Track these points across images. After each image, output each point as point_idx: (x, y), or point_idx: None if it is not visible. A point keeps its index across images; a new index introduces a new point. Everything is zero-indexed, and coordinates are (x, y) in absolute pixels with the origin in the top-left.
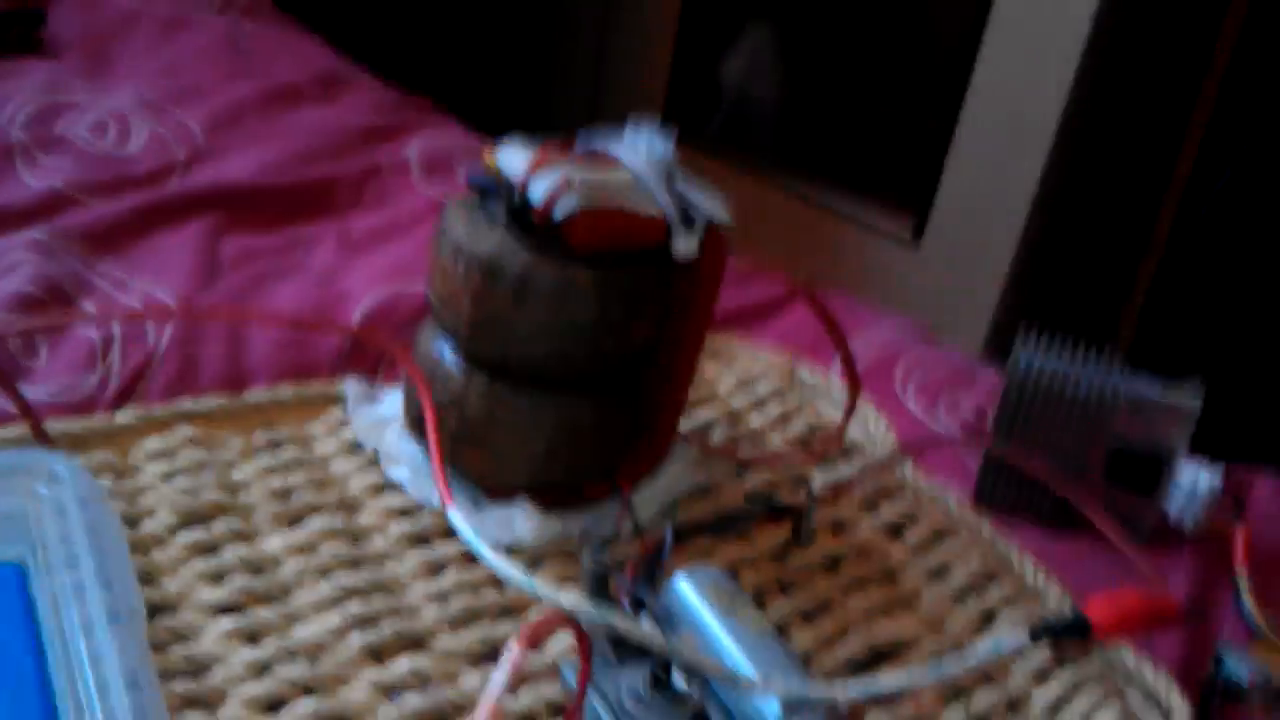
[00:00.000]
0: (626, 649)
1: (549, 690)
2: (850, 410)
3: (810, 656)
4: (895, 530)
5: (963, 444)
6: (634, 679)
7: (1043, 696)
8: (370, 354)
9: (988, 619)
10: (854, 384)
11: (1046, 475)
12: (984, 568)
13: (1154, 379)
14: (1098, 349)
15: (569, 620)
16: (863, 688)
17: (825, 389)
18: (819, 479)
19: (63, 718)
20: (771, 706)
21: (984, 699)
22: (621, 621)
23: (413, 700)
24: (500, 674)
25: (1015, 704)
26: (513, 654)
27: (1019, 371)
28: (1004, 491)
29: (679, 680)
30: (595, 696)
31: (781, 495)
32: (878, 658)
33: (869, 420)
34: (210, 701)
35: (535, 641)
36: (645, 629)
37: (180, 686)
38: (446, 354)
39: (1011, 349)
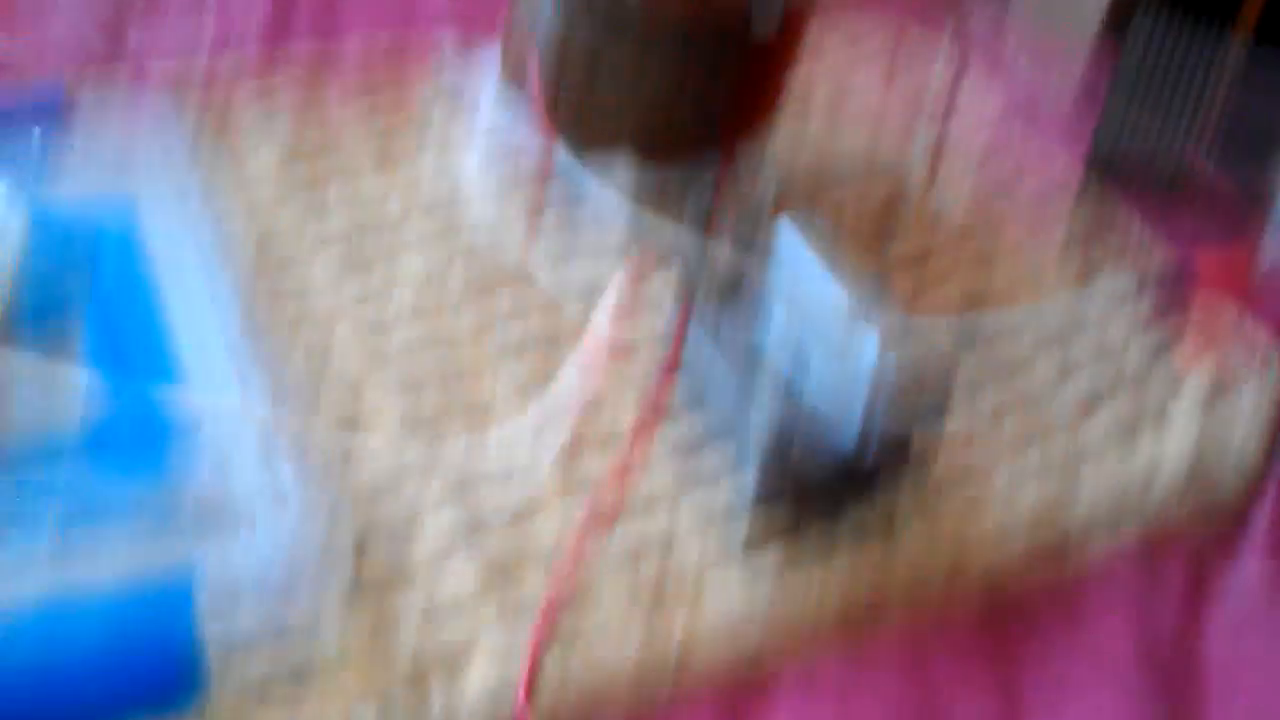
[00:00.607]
0: (728, 288)
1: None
2: (960, 72)
3: (909, 302)
4: (1001, 187)
5: (1076, 111)
6: (732, 330)
7: (1137, 351)
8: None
9: (1091, 269)
10: (964, 50)
11: (1159, 144)
12: (1090, 225)
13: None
14: (1220, 23)
15: (673, 256)
16: (962, 326)
17: (936, 54)
18: (925, 138)
19: (178, 350)
20: (870, 340)
21: (1078, 349)
22: (724, 254)
23: (516, 329)
24: (607, 302)
25: (1107, 356)
26: (618, 284)
27: (1137, 40)
28: (1115, 159)
29: (775, 348)
30: (692, 344)
31: (886, 152)
32: (977, 306)
33: (977, 85)
34: (321, 322)
35: (641, 275)
36: (747, 263)
37: (290, 308)
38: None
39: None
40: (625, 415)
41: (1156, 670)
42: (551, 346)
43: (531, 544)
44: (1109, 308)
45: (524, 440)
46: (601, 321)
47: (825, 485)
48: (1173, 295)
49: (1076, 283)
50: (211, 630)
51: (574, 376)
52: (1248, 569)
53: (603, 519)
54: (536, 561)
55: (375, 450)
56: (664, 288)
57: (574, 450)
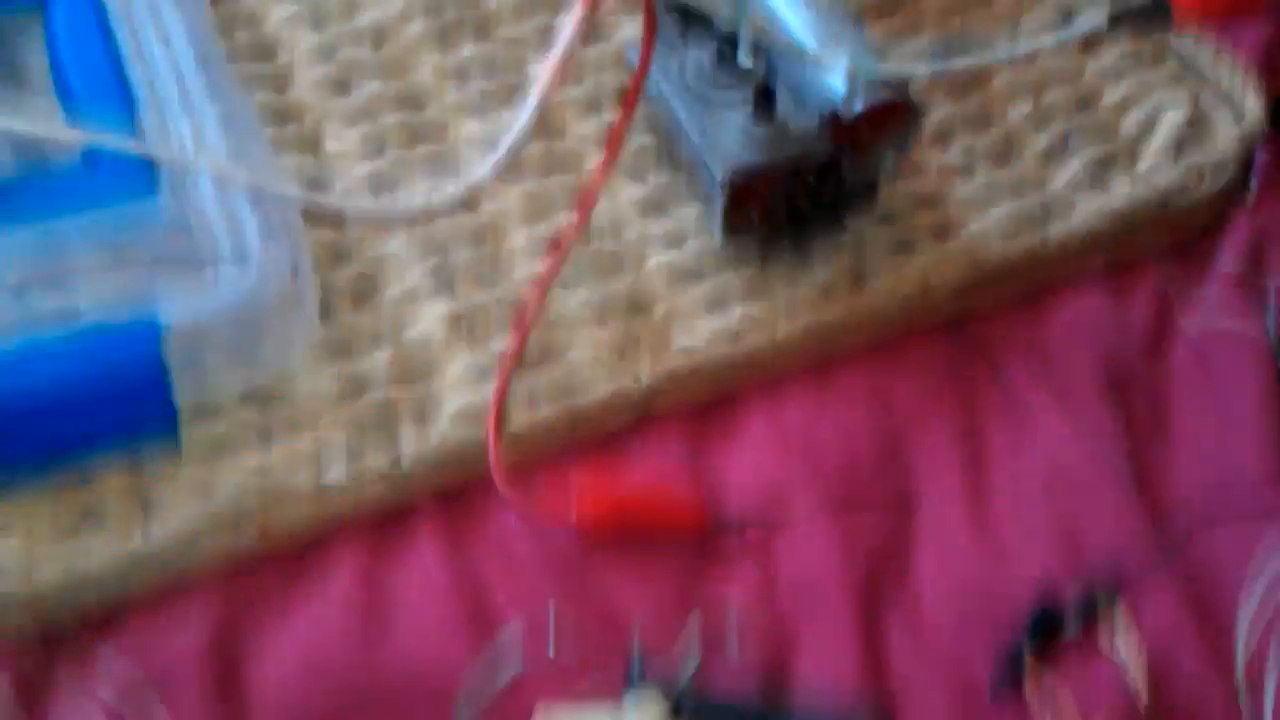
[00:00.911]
0: (693, 25)
1: (613, 78)
2: None
3: (883, 48)
4: None
5: None
6: (699, 56)
7: (1114, 94)
8: None
9: (1066, 15)
10: None
11: None
12: None
13: None
14: None
15: None
16: (932, 64)
17: None
18: None
19: (138, 93)
20: (840, 62)
21: (1054, 95)
22: None
23: (478, 83)
24: (566, 31)
25: (1085, 100)
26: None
27: None
28: None
29: (744, 57)
30: (659, 73)
31: None
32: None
33: None
34: (278, 83)
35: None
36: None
37: (247, 69)
38: None
39: None
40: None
41: (1119, 403)
42: (515, 96)
43: (498, 293)
44: (1084, 46)
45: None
46: (562, 44)
47: (793, 212)
48: (1151, 27)
49: (1053, 27)
50: (181, 377)
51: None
52: (1213, 303)
53: (565, 248)
54: (503, 310)
55: (338, 202)
56: (629, 39)
57: (540, 200)
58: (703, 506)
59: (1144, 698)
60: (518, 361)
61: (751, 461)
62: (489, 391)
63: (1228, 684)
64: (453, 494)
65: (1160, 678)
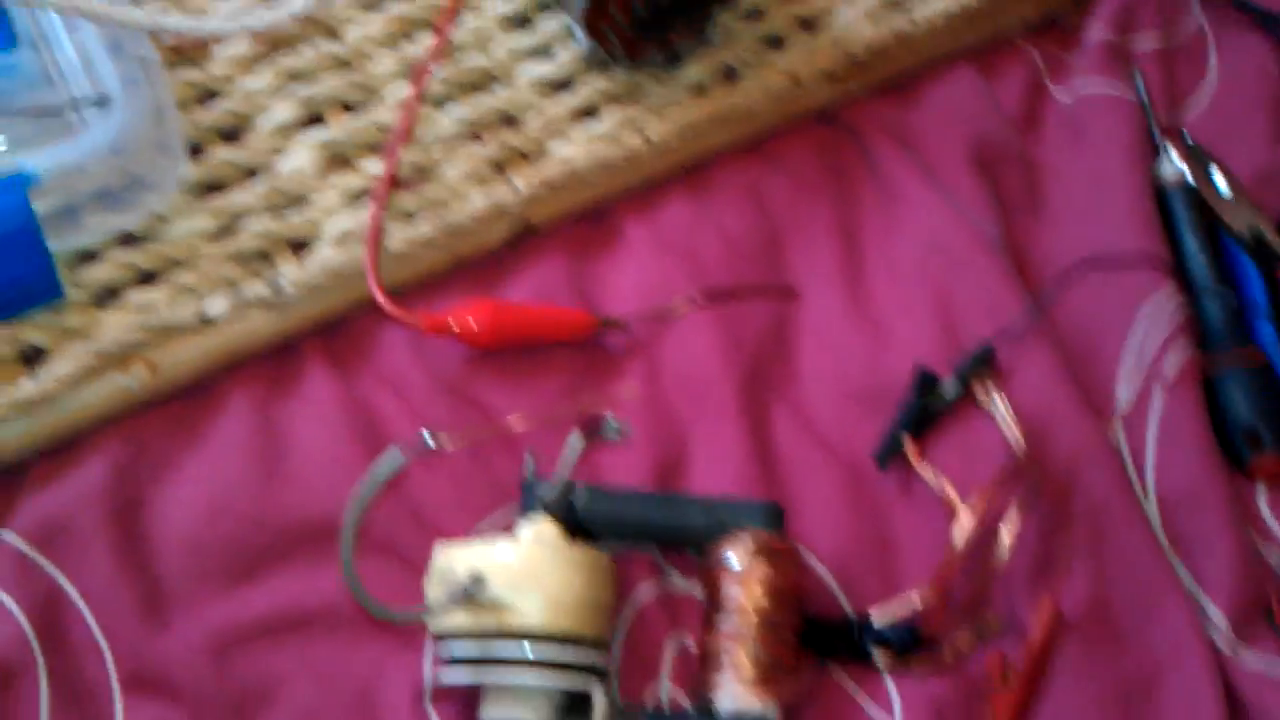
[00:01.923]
0: None
1: None
2: None
3: None
4: None
5: None
6: None
7: None
8: None
9: None
10: None
11: None
12: None
13: None
14: None
15: None
16: None
17: None
18: None
19: None
20: None
21: None
22: None
23: None
24: None
25: None
26: None
27: None
28: None
29: None
30: None
31: None
32: None
33: None
34: None
35: None
36: None
37: None
38: None
39: None
40: None
41: (993, 178)
42: None
43: (369, 119)
44: None
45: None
46: None
47: (654, 10)
48: None
49: None
50: (54, 226)
51: None
52: (1085, 69)
53: (429, 68)
54: (375, 135)
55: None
56: None
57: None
58: (587, 313)
59: (1021, 444)
60: (393, 183)
61: (634, 268)
62: (366, 216)
63: (1106, 428)
64: (338, 324)
65: (1039, 428)
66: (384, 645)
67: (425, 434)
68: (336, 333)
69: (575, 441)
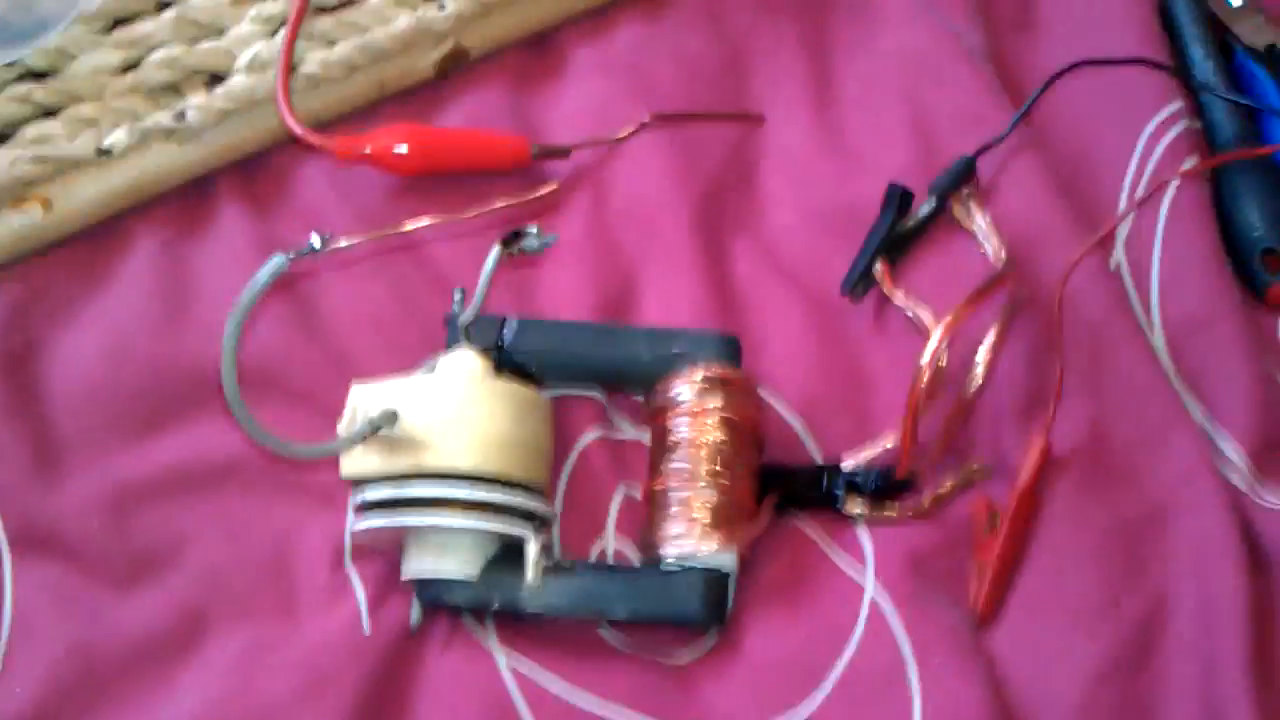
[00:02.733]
0: None
1: None
2: None
3: None
4: None
5: None
6: None
7: None
8: None
9: None
10: None
11: None
12: None
13: None
14: None
15: None
16: None
17: None
18: None
19: None
20: None
21: None
22: None
23: None
24: None
25: None
26: None
27: None
28: None
29: None
30: None
31: None
32: None
33: None
34: None
35: None
36: None
37: None
38: None
39: None
40: None
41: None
42: None
43: None
44: None
45: None
46: None
47: None
48: None
49: None
50: None
51: None
52: None
53: None
54: None
55: None
56: None
57: None
58: (524, 139)
59: (1001, 255)
60: (307, 6)
61: (579, 94)
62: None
63: (1105, 248)
64: (255, 160)
65: (1028, 247)
66: (302, 503)
67: (314, 236)
68: (253, 169)
69: (494, 254)
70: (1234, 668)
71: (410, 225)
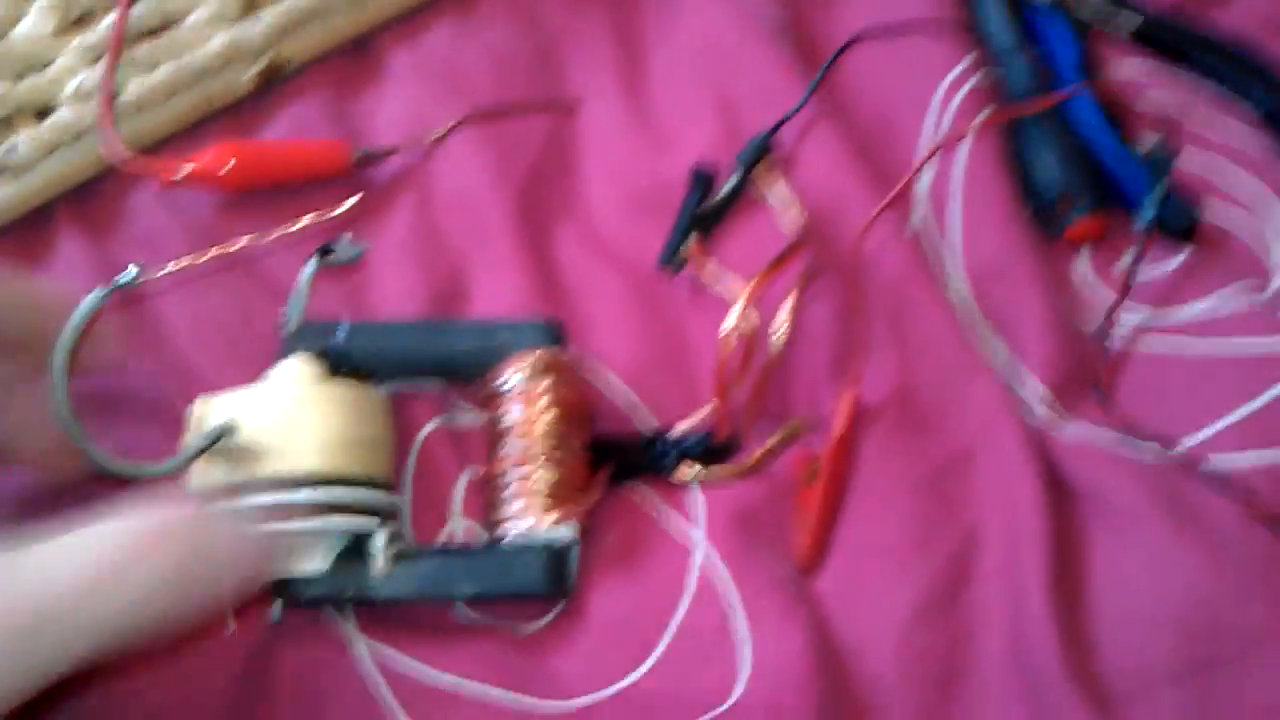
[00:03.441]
0: None
1: None
2: None
3: None
4: None
5: None
6: None
7: None
8: None
9: None
10: None
11: None
12: None
13: None
14: None
15: None
16: None
17: None
18: None
19: None
20: None
21: None
22: None
23: None
24: None
25: None
26: None
27: None
28: None
29: None
30: None
31: None
32: None
33: None
34: None
35: None
36: None
37: None
38: None
39: None
40: None
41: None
42: None
43: None
44: None
45: None
46: None
47: None
48: None
49: None
50: None
51: None
52: None
53: None
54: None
55: None
56: None
57: None
58: (346, 144)
59: (799, 220)
60: (124, 28)
61: (397, 98)
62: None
63: (904, 207)
64: (88, 189)
65: (828, 212)
66: None
67: (130, 267)
68: (87, 197)
69: (310, 266)
70: (1038, 593)
71: (231, 246)
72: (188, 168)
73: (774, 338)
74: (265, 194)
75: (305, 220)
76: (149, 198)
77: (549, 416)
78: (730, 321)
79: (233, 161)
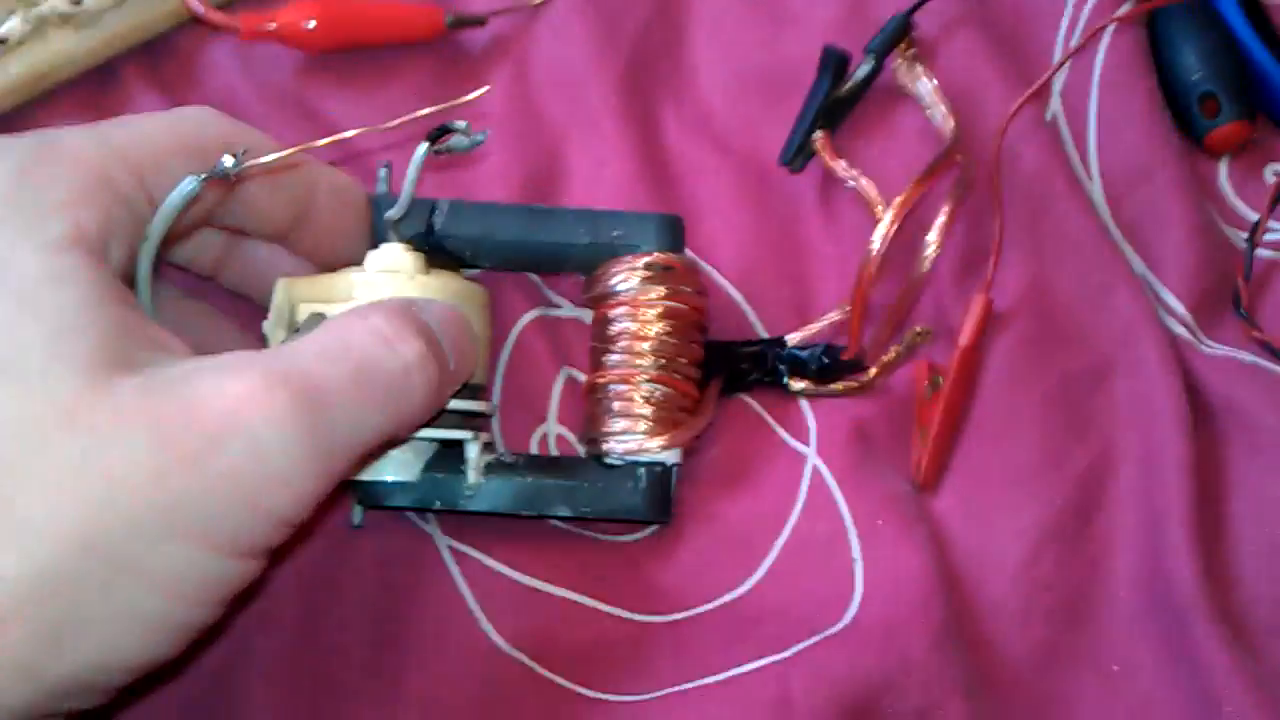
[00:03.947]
0: None
1: None
2: None
3: None
4: None
5: None
6: None
7: None
8: None
9: None
10: None
11: None
12: None
13: None
14: None
15: None
16: None
17: None
18: None
19: None
20: None
21: None
22: None
23: None
24: None
25: None
26: None
27: None
28: None
29: None
30: None
31: None
32: None
33: None
34: None
35: None
36: None
37: None
38: None
39: None
40: None
41: None
42: None
43: None
44: None
45: None
46: None
47: None
48: None
49: None
50: None
51: None
52: None
53: None
54: None
55: None
56: None
57: None
58: (438, 8)
59: (952, 127)
60: None
61: None
62: None
63: (1041, 101)
64: (160, 44)
65: (966, 108)
66: None
67: (226, 157)
68: (158, 53)
69: (421, 152)
70: (1176, 519)
71: (330, 139)
72: (272, 23)
73: (921, 259)
74: (347, 58)
75: (425, 111)
76: (225, 55)
77: (661, 328)
78: (878, 240)
79: (318, 20)
